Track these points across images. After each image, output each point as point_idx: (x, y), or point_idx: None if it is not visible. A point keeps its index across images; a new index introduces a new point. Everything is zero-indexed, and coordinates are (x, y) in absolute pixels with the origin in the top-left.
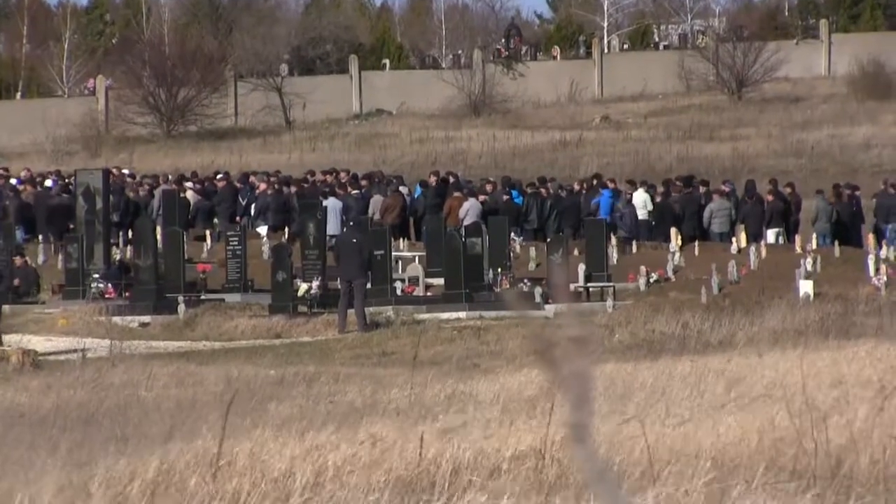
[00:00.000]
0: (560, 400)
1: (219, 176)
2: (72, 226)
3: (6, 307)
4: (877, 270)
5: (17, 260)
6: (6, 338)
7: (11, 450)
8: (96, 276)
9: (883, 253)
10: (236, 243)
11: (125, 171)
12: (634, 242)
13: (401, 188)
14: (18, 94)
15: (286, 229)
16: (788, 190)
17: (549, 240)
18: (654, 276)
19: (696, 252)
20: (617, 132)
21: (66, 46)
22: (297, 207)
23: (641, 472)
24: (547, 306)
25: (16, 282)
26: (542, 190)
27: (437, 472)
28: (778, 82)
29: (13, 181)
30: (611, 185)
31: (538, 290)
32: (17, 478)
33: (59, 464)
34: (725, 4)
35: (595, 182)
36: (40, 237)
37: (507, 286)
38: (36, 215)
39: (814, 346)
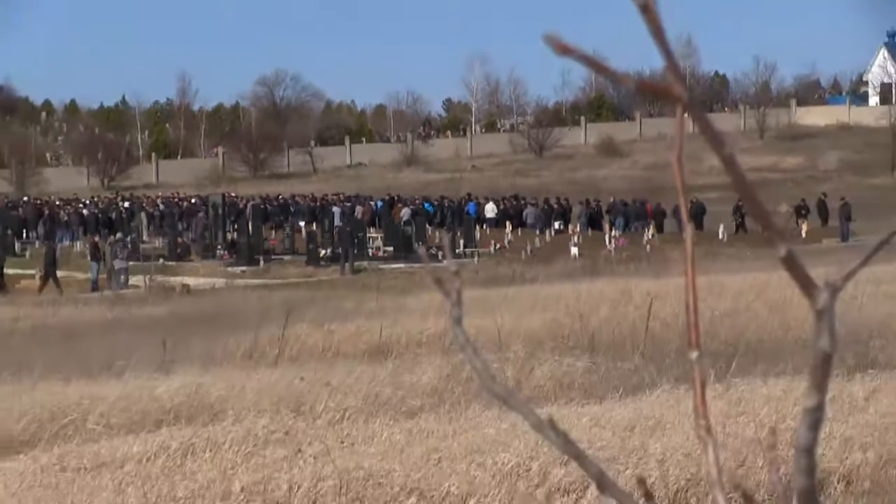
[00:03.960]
0: (446, 303)
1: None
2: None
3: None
4: (610, 241)
5: (180, 240)
6: (175, 280)
7: (178, 335)
8: (219, 247)
9: (614, 233)
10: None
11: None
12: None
13: (370, 202)
14: (179, 156)
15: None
16: (565, 201)
17: (445, 227)
18: (498, 246)
19: (519, 234)
20: (480, 174)
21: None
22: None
23: (493, 344)
24: (445, 262)
25: (178, 250)
26: (443, 202)
27: (391, 344)
28: (560, 149)
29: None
30: (474, 200)
31: (440, 253)
32: (190, 346)
33: (209, 338)
34: (534, 108)
35: (467, 198)
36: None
37: (424, 250)
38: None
39: (579, 279)
